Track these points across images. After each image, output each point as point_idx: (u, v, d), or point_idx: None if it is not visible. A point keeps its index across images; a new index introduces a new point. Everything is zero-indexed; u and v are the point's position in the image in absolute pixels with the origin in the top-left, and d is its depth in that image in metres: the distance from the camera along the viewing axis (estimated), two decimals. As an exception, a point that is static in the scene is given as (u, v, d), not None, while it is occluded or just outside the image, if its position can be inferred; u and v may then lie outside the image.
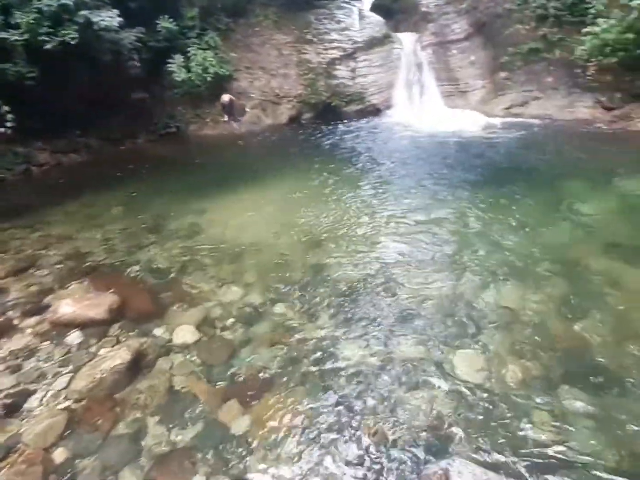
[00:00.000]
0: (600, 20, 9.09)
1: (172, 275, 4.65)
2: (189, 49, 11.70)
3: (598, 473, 2.30)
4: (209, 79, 11.60)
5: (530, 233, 4.96)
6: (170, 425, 2.80)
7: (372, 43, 14.47)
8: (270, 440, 2.63)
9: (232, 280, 4.43)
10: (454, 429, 2.63)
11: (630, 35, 8.61)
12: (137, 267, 4.83)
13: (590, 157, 7.67)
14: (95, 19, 8.96)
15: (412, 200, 6.18)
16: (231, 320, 3.88)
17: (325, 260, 4.72)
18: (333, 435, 2.63)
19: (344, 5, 16.14)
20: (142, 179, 8.49)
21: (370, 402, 2.88)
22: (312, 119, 13.11)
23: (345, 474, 2.40)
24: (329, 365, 3.22)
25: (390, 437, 2.61)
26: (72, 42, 8.56)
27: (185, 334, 3.71)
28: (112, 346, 3.53)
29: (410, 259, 4.60)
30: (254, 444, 2.62)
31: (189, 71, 11.44)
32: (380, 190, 6.72)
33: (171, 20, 11.15)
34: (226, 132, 12.03)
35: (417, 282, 4.17)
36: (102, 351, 3.48)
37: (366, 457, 2.49)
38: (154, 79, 12.02)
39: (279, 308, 3.97)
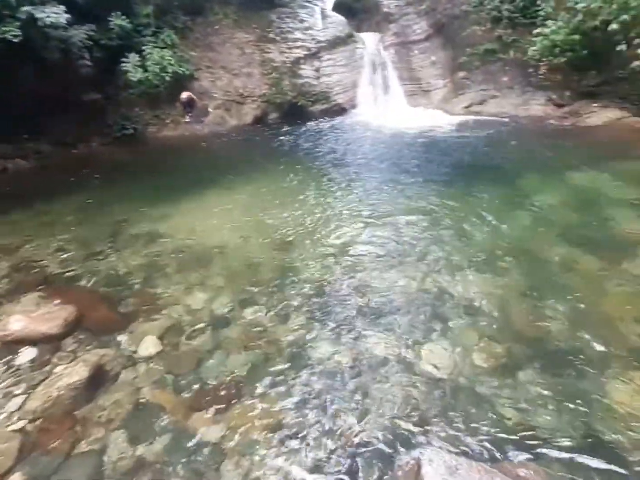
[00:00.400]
0: (549, 22, 9.75)
1: (134, 283, 4.49)
2: (144, 47, 11.34)
3: (556, 448, 2.48)
4: (167, 78, 11.30)
5: (494, 225, 5.23)
6: (137, 440, 2.71)
7: (336, 42, 14.69)
8: (243, 448, 2.61)
9: (198, 286, 4.35)
10: (425, 420, 2.74)
11: (577, 37, 9.28)
12: (95, 277, 4.62)
13: (544, 152, 8.20)
14: (39, 15, 8.48)
15: (379, 198, 6.34)
16: (199, 326, 3.81)
17: (295, 261, 4.74)
18: (308, 437, 2.66)
19: (306, 4, 16.27)
20: (97, 185, 8.13)
21: (343, 400, 2.93)
22: (278, 119, 13.10)
23: (320, 474, 2.43)
24: (300, 367, 3.24)
25: (364, 433, 2.67)
26: (15, 40, 8.06)
27: (150, 343, 3.60)
28: (70, 362, 3.36)
29: (379, 255, 4.72)
30: (226, 453, 2.59)
31: (145, 70, 11.08)
32: (348, 190, 6.84)
33: (124, 17, 10.75)
34: (188, 134, 11.75)
35: (386, 278, 4.28)
36: (58, 368, 3.30)
37: (341, 455, 2.53)
38: (108, 79, 11.52)
39: (248, 311, 3.94)
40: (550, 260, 4.41)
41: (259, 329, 3.74)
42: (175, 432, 2.75)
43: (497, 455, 2.47)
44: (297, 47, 14.34)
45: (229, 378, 3.19)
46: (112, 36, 10.87)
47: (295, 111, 13.26)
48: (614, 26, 8.05)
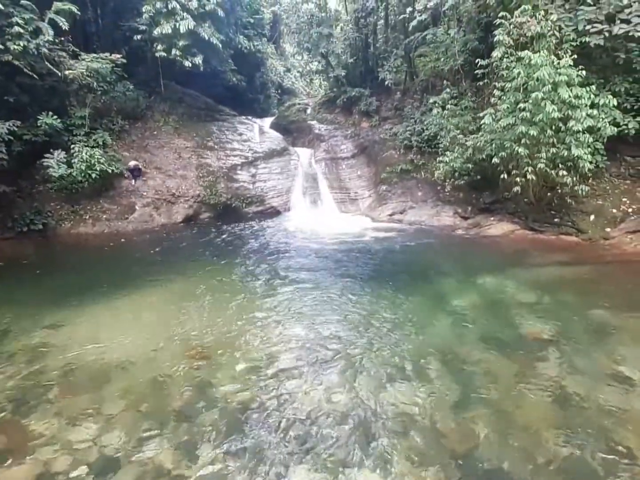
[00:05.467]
0: (448, 153, 12.10)
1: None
2: (73, 145, 11.48)
3: None
4: (94, 175, 11.29)
5: (418, 330, 5.46)
6: None
7: (272, 154, 16.40)
8: None
9: (87, 416, 3.68)
10: None
11: (470, 165, 11.58)
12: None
13: (457, 258, 9.34)
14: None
15: (306, 304, 6.37)
16: (80, 471, 3.11)
17: (213, 376, 4.35)
18: None
19: (245, 121, 18.47)
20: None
21: None
22: (211, 219, 13.39)
23: None
24: (208, 519, 2.71)
25: None
26: None
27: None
28: None
29: (304, 367, 4.54)
30: None
31: (70, 167, 11.01)
32: (275, 295, 6.79)
33: (55, 117, 11.02)
34: (108, 230, 11.31)
35: (312, 394, 4.07)
36: None
37: None
38: (27, 173, 11.22)
39: (148, 448, 3.36)
40: (471, 365, 4.63)
41: (161, 470, 3.16)
42: None
43: None
44: (235, 156, 15.67)
45: None
46: (38, 132, 10.94)
47: (229, 211, 13.76)
48: (495, 160, 10.28)
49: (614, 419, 3.68)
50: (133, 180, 12.93)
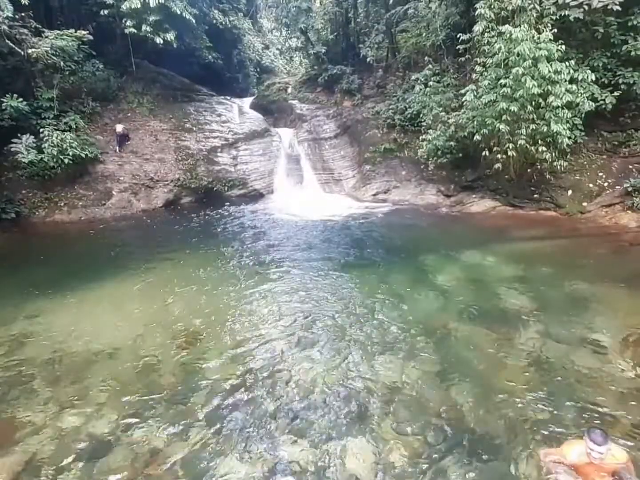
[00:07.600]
0: (430, 131, 12.12)
1: (-18, 407, 3.63)
2: (43, 129, 10.96)
3: None
4: (66, 160, 10.86)
5: (403, 305, 5.61)
6: None
7: (253, 135, 16.06)
8: None
9: (73, 403, 3.68)
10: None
11: (452, 143, 11.65)
12: None
13: (440, 234, 9.53)
14: None
15: (292, 285, 6.44)
16: (69, 457, 3.15)
17: (201, 359, 4.39)
18: None
19: (224, 101, 17.93)
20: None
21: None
22: (192, 203, 13.17)
23: None
24: (199, 495, 2.80)
25: None
26: None
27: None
28: None
29: (294, 345, 4.63)
30: None
31: (40, 152, 10.55)
32: (259, 278, 6.79)
33: (20, 99, 10.47)
34: (85, 218, 11.00)
35: (301, 370, 4.17)
36: None
37: None
38: (-8, 159, 10.71)
39: (138, 430, 3.40)
40: (454, 337, 4.81)
41: (151, 450, 3.22)
42: None
43: None
44: (214, 137, 15.27)
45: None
46: (3, 116, 10.39)
47: (210, 195, 13.53)
48: (477, 137, 10.37)
49: (587, 381, 3.92)
50: (118, 147, 12.76)
